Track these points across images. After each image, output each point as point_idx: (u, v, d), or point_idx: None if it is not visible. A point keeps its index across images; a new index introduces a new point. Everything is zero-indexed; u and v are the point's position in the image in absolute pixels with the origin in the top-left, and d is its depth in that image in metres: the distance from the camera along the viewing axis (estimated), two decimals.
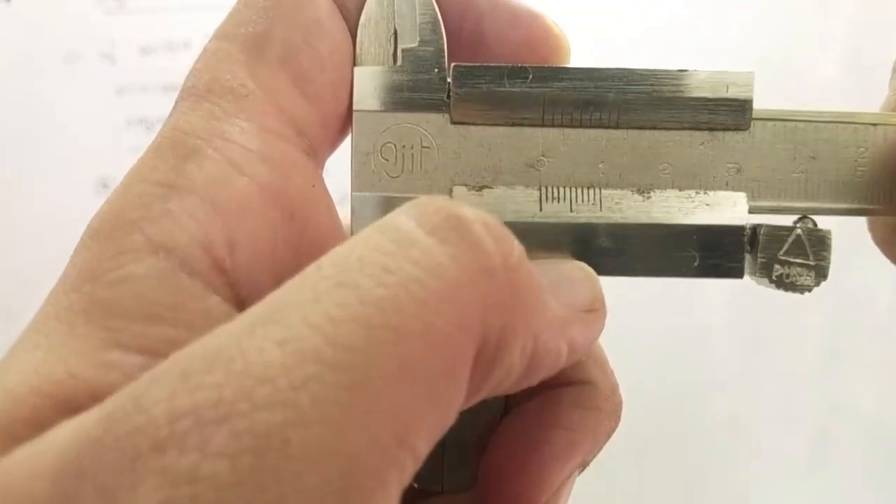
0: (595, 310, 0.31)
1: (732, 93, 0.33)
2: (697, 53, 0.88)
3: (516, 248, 0.26)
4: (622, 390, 0.35)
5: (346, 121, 0.34)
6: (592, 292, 0.31)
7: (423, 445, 0.23)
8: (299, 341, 0.21)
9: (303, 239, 0.31)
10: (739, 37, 0.89)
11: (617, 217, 0.33)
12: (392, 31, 0.33)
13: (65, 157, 1.08)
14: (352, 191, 0.33)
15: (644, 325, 0.89)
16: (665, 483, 0.93)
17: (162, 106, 1.05)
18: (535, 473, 0.33)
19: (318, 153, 0.33)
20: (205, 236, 0.28)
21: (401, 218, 0.25)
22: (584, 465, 0.35)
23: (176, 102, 0.31)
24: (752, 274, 0.34)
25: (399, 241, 0.24)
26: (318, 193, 0.32)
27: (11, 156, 1.08)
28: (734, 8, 0.89)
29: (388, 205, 0.32)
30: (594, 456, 0.35)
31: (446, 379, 0.23)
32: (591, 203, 0.33)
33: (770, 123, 0.34)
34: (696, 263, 0.33)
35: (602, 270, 0.33)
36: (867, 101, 0.86)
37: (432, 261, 0.24)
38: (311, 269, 0.24)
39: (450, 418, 0.24)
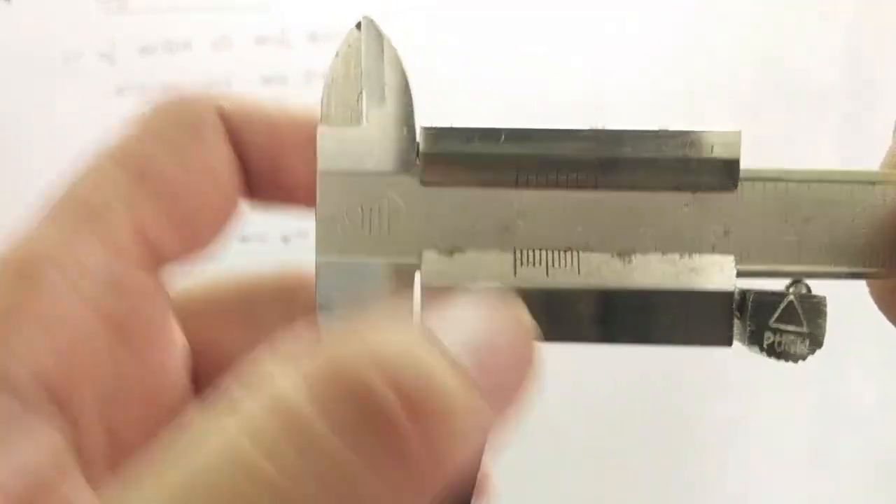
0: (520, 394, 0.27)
1: (718, 152, 0.31)
2: (695, 57, 0.87)
3: (438, 400, 0.23)
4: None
5: (214, 241, 0.34)
6: (525, 368, 0.27)
7: None
8: None
9: (132, 361, 0.31)
10: (737, 41, 0.87)
11: (595, 282, 0.31)
12: (359, 91, 0.32)
13: (65, 156, 1.07)
14: (316, 255, 0.31)
15: None
16: (665, 483, 0.92)
17: None
18: None
19: (166, 269, 0.33)
20: (43, 370, 0.27)
21: (293, 395, 0.22)
22: None
23: (38, 211, 0.31)
24: (742, 342, 0.32)
25: (291, 431, 0.22)
26: (156, 314, 0.32)
27: (11, 155, 1.08)
28: (732, 12, 0.88)
29: (355, 270, 0.31)
30: None
31: None
32: (568, 267, 0.31)
33: (759, 184, 0.32)
34: (680, 331, 0.31)
35: (579, 337, 0.31)
36: (866, 105, 0.85)
37: (338, 470, 0.21)
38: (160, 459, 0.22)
39: None
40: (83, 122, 1.08)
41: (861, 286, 0.34)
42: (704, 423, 0.93)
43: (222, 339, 0.36)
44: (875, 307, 0.34)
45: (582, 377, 0.89)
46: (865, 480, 0.92)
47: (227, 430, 0.22)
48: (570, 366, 0.95)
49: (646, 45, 0.88)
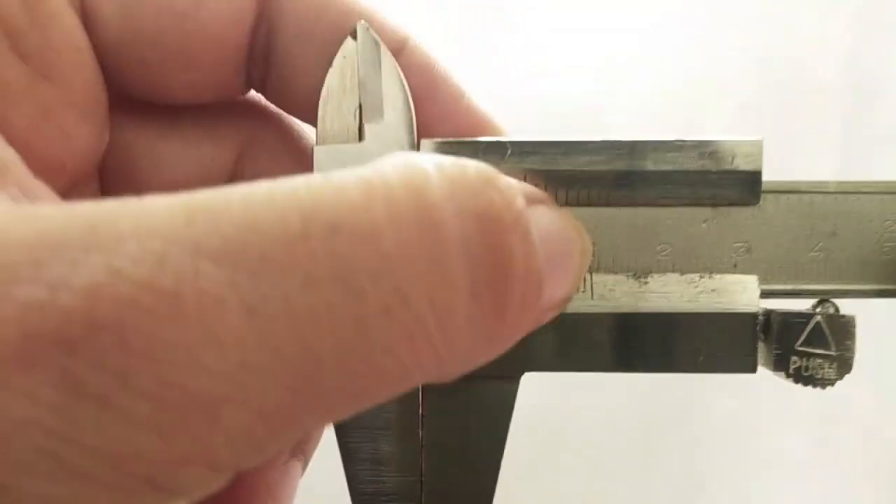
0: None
1: (739, 164, 0.29)
2: (696, 55, 0.86)
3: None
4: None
5: None
6: (575, 284, 0.28)
7: None
8: None
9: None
10: (738, 41, 0.86)
11: (610, 306, 0.29)
12: (356, 106, 0.30)
13: None
14: None
15: None
16: (665, 483, 0.92)
17: None
18: None
19: None
20: None
21: (433, 173, 0.20)
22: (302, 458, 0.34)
23: None
24: (767, 366, 0.30)
25: (420, 206, 0.20)
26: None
27: None
28: (733, 9, 0.87)
29: None
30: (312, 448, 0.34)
31: None
32: (580, 291, 0.29)
33: (783, 197, 0.30)
34: (701, 358, 0.29)
35: (594, 366, 0.30)
36: (868, 104, 0.83)
37: (443, 262, 0.20)
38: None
39: None
40: None
41: None
42: (704, 423, 0.92)
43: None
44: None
45: (580, 377, 0.87)
46: (865, 481, 0.92)
47: (352, 179, 0.20)
48: None
49: (646, 45, 0.87)
